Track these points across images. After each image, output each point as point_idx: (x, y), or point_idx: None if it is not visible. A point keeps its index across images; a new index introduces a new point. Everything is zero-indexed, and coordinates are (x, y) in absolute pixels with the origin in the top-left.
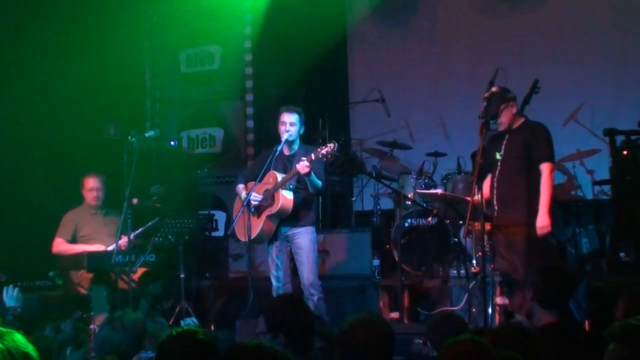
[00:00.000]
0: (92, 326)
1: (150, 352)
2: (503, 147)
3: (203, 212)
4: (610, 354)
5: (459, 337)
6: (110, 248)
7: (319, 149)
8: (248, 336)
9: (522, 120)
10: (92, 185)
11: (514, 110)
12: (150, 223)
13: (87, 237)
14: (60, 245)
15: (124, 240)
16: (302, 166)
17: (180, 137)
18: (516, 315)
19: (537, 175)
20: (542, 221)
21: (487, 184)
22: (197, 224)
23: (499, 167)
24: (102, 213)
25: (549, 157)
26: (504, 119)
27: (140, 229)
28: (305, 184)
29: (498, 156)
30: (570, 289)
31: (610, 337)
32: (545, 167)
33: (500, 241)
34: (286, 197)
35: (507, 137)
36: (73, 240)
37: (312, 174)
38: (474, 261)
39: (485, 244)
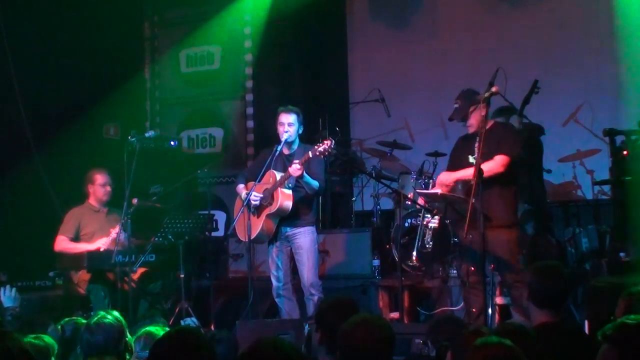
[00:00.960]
0: None
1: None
2: (476, 149)
3: (203, 212)
4: (603, 354)
5: (488, 339)
6: (111, 237)
7: (315, 147)
8: (250, 336)
9: (491, 122)
10: (104, 180)
11: (484, 113)
12: (130, 210)
13: (89, 235)
14: (63, 243)
15: (114, 232)
16: (294, 169)
17: (180, 137)
18: (513, 315)
19: (511, 175)
20: (445, 175)
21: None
22: (197, 224)
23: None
24: (104, 211)
25: (507, 151)
26: (473, 121)
27: (122, 220)
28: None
29: (471, 159)
30: (566, 289)
31: (602, 337)
32: (498, 157)
33: (475, 240)
34: (285, 195)
35: (477, 140)
36: (76, 238)
37: (306, 175)
38: (414, 253)
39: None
